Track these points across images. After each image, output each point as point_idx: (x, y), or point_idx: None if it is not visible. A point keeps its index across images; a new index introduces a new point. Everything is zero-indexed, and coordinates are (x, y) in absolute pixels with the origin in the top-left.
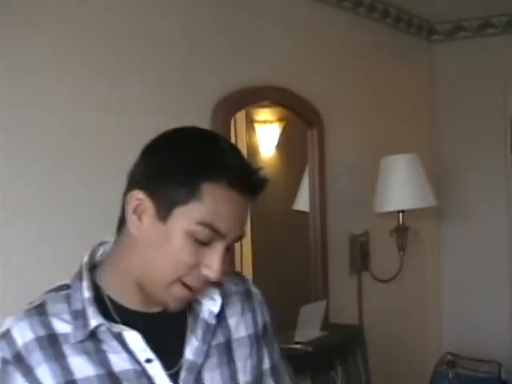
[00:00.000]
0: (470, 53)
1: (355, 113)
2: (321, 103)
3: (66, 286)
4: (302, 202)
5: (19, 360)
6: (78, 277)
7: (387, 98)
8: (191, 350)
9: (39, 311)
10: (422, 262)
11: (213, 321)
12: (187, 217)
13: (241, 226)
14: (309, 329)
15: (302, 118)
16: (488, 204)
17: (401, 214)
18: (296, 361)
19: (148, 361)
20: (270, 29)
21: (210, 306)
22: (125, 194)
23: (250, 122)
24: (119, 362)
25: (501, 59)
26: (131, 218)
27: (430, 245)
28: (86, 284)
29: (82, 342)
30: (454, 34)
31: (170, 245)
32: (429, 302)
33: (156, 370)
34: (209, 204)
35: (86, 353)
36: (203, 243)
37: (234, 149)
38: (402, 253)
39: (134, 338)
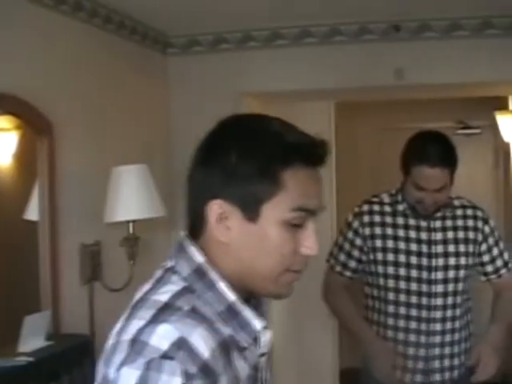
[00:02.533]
0: (205, 66)
1: (90, 123)
2: (53, 113)
3: (186, 289)
4: (33, 212)
5: (207, 372)
6: (200, 278)
7: (123, 110)
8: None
9: (199, 317)
10: (153, 271)
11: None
12: (279, 208)
13: (321, 197)
14: (33, 339)
15: (31, 127)
16: None
17: (131, 224)
18: (18, 372)
19: (261, 355)
20: (1, 36)
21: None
22: (192, 206)
23: None
24: (252, 357)
25: (235, 74)
26: (217, 228)
27: (162, 254)
28: (223, 285)
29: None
30: (189, 48)
31: (268, 241)
32: None
33: (262, 364)
34: (294, 189)
35: (243, 353)
36: (298, 226)
37: (285, 124)
38: (132, 262)
39: (266, 334)
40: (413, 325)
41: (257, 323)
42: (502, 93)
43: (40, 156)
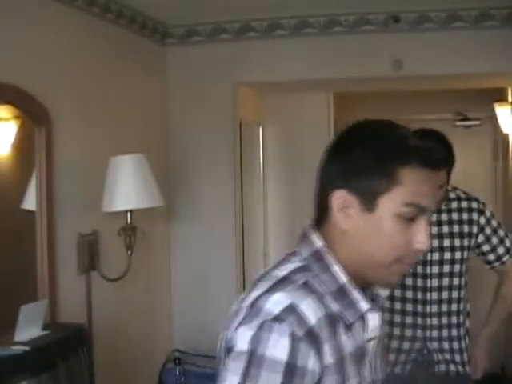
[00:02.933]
0: (203, 57)
1: (87, 113)
2: (51, 102)
3: (304, 267)
4: (30, 201)
5: (312, 337)
6: (317, 260)
7: (120, 99)
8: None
9: (311, 290)
10: (152, 261)
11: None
12: (393, 202)
13: (433, 197)
14: (29, 328)
15: (29, 116)
16: (218, 205)
17: (129, 214)
18: (15, 361)
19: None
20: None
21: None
22: (319, 195)
23: None
24: (358, 338)
25: (232, 64)
26: (338, 216)
27: (160, 244)
28: (337, 268)
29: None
30: (188, 38)
31: (383, 230)
32: (159, 301)
33: (370, 349)
34: (410, 186)
35: (349, 330)
36: (410, 220)
37: (410, 132)
38: (130, 252)
39: (374, 319)
40: (409, 319)
41: (363, 304)
42: (501, 84)
43: (38, 146)
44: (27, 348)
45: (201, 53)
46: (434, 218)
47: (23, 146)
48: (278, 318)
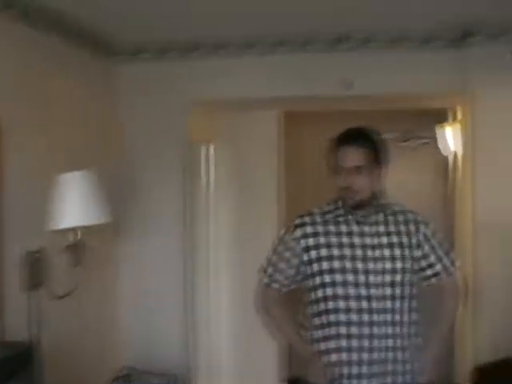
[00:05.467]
0: (154, 74)
1: (37, 128)
2: (3, 116)
3: None
4: None
5: None
6: None
7: (71, 116)
8: None
9: None
10: (100, 278)
11: None
12: None
13: None
14: None
15: None
16: (166, 223)
17: (76, 231)
18: None
19: None
20: None
21: None
22: None
23: None
24: None
25: (183, 82)
26: None
27: (108, 260)
28: None
29: None
30: (138, 55)
31: None
32: (108, 318)
33: None
34: None
35: None
36: None
37: None
38: (77, 268)
39: None
40: (354, 330)
41: None
42: (447, 104)
43: None
44: None
45: (150, 70)
46: (374, 229)
47: None
48: None
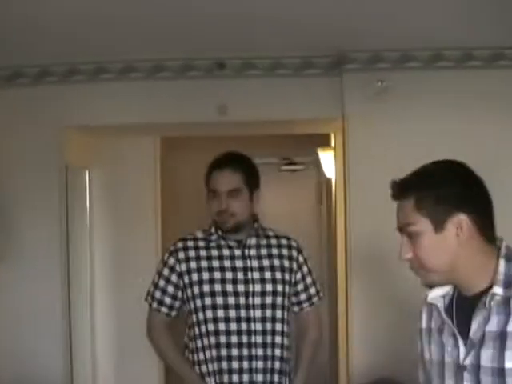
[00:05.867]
0: (30, 99)
1: None
2: None
3: None
4: None
5: None
6: None
7: None
8: None
9: None
10: None
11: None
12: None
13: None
14: None
15: None
16: (41, 247)
17: None
18: None
19: None
20: None
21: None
22: None
23: None
24: None
25: (60, 107)
26: None
27: None
28: None
29: None
30: (14, 80)
31: None
32: None
33: None
34: None
35: None
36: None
37: None
38: None
39: None
40: (234, 352)
41: None
42: (323, 130)
43: None
44: None
45: (27, 95)
46: (254, 252)
47: None
48: None
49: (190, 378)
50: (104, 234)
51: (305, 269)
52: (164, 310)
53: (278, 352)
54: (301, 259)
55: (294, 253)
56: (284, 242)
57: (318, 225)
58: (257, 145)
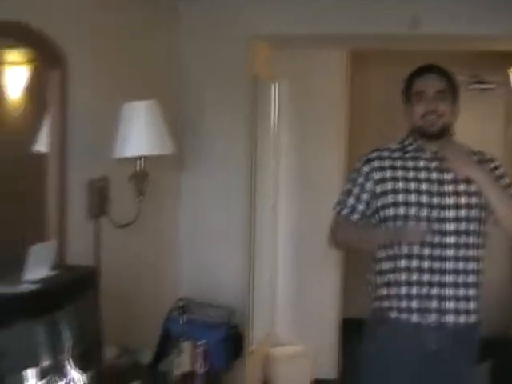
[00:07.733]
0: (216, 9)
1: (101, 59)
2: (66, 46)
3: None
4: (42, 145)
5: None
6: None
7: (135, 47)
8: None
9: None
10: (161, 209)
11: None
12: None
13: None
14: (38, 268)
15: (44, 59)
16: (229, 158)
17: (140, 160)
18: (23, 299)
19: None
20: None
21: None
22: None
23: None
24: None
25: (246, 16)
26: None
27: (170, 192)
28: None
29: None
30: None
31: None
32: (167, 249)
33: None
34: None
35: None
36: None
37: None
38: (140, 198)
39: None
40: (425, 264)
41: None
42: None
43: (51, 89)
44: (36, 287)
45: (213, 4)
46: None
47: (36, 90)
48: None
49: (378, 232)
50: (289, 146)
51: (502, 182)
52: (355, 216)
53: (471, 265)
54: (499, 172)
55: (491, 165)
56: (479, 156)
57: (506, 146)
58: (446, 60)
